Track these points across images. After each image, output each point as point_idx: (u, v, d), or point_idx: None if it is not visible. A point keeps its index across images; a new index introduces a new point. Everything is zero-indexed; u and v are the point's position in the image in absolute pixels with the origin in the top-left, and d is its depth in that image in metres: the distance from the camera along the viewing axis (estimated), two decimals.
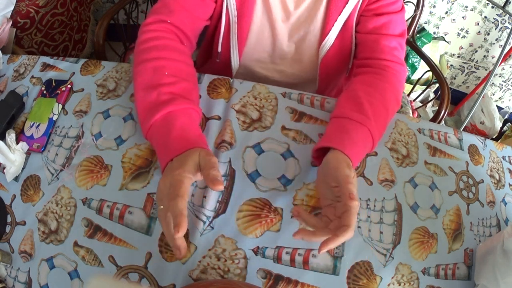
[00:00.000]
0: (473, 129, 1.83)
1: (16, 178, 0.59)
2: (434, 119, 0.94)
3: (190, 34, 0.65)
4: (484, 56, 1.71)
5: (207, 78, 0.67)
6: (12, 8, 1.02)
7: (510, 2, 1.44)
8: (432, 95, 1.78)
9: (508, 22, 1.54)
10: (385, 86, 0.62)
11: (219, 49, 0.74)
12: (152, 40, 0.59)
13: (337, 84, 0.84)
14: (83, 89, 0.66)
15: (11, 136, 0.60)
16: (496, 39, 1.62)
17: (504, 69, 1.75)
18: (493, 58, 1.70)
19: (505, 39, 1.55)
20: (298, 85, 0.81)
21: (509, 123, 1.78)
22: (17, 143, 0.60)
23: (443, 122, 0.96)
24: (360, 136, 0.55)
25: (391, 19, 0.66)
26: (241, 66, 0.77)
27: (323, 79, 0.78)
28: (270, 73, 0.80)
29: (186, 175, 0.46)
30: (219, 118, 0.62)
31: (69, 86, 0.66)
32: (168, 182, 0.46)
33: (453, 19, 1.61)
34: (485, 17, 1.55)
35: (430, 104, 1.79)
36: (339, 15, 0.66)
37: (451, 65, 1.82)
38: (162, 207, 0.46)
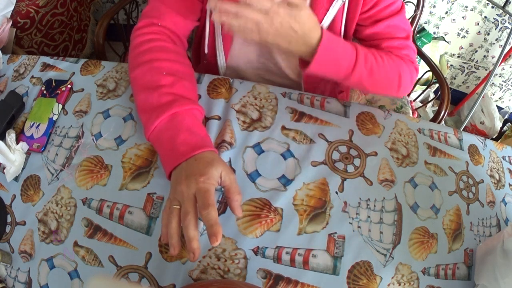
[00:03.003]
0: (473, 129, 1.82)
1: (16, 178, 0.59)
2: (434, 119, 0.94)
3: (181, 35, 0.65)
4: (484, 56, 1.71)
5: (207, 78, 0.67)
6: (12, 8, 1.02)
7: (510, 2, 1.44)
8: (432, 95, 1.78)
9: (508, 22, 1.54)
10: (390, 57, 0.64)
11: (206, 51, 0.74)
12: (146, 43, 0.59)
13: (326, 89, 0.84)
14: (83, 89, 0.66)
15: (11, 136, 0.60)
16: (496, 39, 1.62)
17: (504, 69, 1.75)
18: (493, 58, 1.70)
19: (505, 39, 1.55)
20: (286, 86, 0.81)
21: (509, 123, 1.78)
22: (17, 143, 0.60)
23: (443, 122, 0.96)
24: (345, 45, 0.58)
25: (390, 23, 0.65)
26: (228, 67, 0.77)
27: (308, 82, 0.78)
28: (257, 73, 0.80)
29: (212, 182, 0.47)
30: (219, 118, 0.62)
31: (69, 86, 0.66)
32: (192, 187, 0.47)
33: (453, 19, 1.61)
34: (485, 17, 1.55)
35: (430, 104, 1.79)
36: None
37: (451, 65, 1.82)
38: (177, 206, 0.47)
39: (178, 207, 0.47)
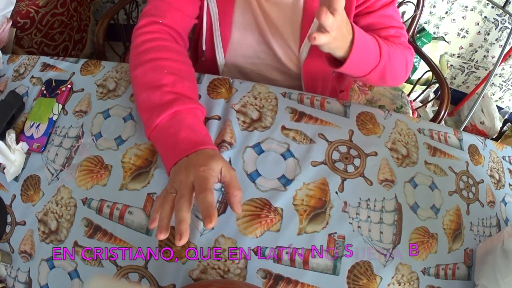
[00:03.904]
0: (473, 129, 1.82)
1: (16, 178, 0.59)
2: (434, 119, 0.94)
3: (182, 33, 0.66)
4: (484, 56, 1.71)
5: (207, 78, 0.67)
6: (12, 8, 1.02)
7: (510, 2, 1.44)
8: (432, 95, 1.78)
9: (508, 22, 1.54)
10: (393, 45, 0.66)
11: (204, 47, 0.74)
12: (148, 42, 0.59)
13: (327, 84, 0.84)
14: (83, 89, 0.66)
15: (11, 136, 0.60)
16: (496, 39, 1.62)
17: (504, 69, 1.75)
18: (493, 58, 1.70)
19: (505, 39, 1.55)
20: (285, 81, 0.81)
21: (509, 123, 1.78)
22: (17, 143, 0.60)
23: (443, 122, 0.96)
24: (371, 37, 0.60)
25: (383, 13, 0.67)
26: (227, 62, 0.77)
27: (307, 76, 0.78)
28: (256, 68, 0.80)
29: (211, 173, 0.47)
30: (219, 118, 0.62)
31: (69, 86, 0.66)
32: (191, 176, 0.46)
33: (453, 19, 1.61)
34: (485, 17, 1.55)
35: (430, 104, 1.78)
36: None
37: (451, 65, 1.82)
38: (173, 194, 0.46)
39: (174, 194, 0.46)
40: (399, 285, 0.52)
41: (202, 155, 0.49)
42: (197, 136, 0.52)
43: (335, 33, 0.49)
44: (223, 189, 0.52)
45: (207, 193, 0.44)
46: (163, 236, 0.43)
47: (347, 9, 0.67)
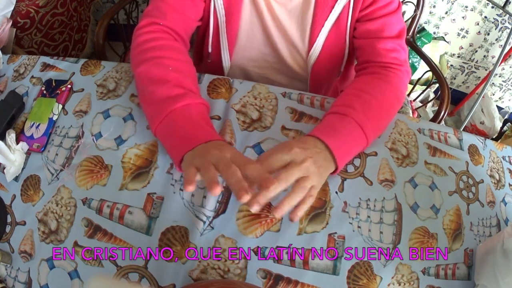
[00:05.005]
0: (473, 129, 1.83)
1: (16, 178, 0.59)
2: (434, 119, 0.94)
3: (183, 35, 0.65)
4: (484, 56, 1.71)
5: (207, 78, 0.67)
6: (12, 8, 1.02)
7: (510, 2, 1.44)
8: (432, 95, 1.78)
9: (508, 22, 1.54)
10: (380, 83, 0.62)
11: (210, 50, 0.74)
12: (149, 42, 0.59)
13: (330, 86, 0.84)
14: (83, 89, 0.66)
15: (11, 136, 0.60)
16: (496, 39, 1.62)
17: (504, 69, 1.75)
18: (493, 58, 1.70)
19: (505, 39, 1.55)
20: (290, 84, 0.81)
21: (509, 123, 1.78)
22: (17, 143, 0.60)
23: (443, 122, 0.96)
24: (346, 126, 0.55)
25: (385, 21, 0.65)
26: (233, 65, 0.77)
27: (314, 80, 0.77)
28: (262, 71, 0.80)
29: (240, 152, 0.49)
30: (219, 118, 0.62)
31: (69, 86, 0.66)
32: (227, 151, 0.47)
33: (453, 19, 1.61)
34: (485, 17, 1.55)
35: (430, 104, 1.79)
36: (326, 20, 0.66)
37: (451, 65, 1.82)
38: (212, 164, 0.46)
39: (212, 164, 0.46)
40: (399, 285, 0.52)
41: (217, 142, 0.51)
42: (210, 129, 0.54)
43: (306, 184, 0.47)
44: (222, 189, 0.52)
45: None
46: (218, 191, 0.43)
47: (354, 12, 0.66)
